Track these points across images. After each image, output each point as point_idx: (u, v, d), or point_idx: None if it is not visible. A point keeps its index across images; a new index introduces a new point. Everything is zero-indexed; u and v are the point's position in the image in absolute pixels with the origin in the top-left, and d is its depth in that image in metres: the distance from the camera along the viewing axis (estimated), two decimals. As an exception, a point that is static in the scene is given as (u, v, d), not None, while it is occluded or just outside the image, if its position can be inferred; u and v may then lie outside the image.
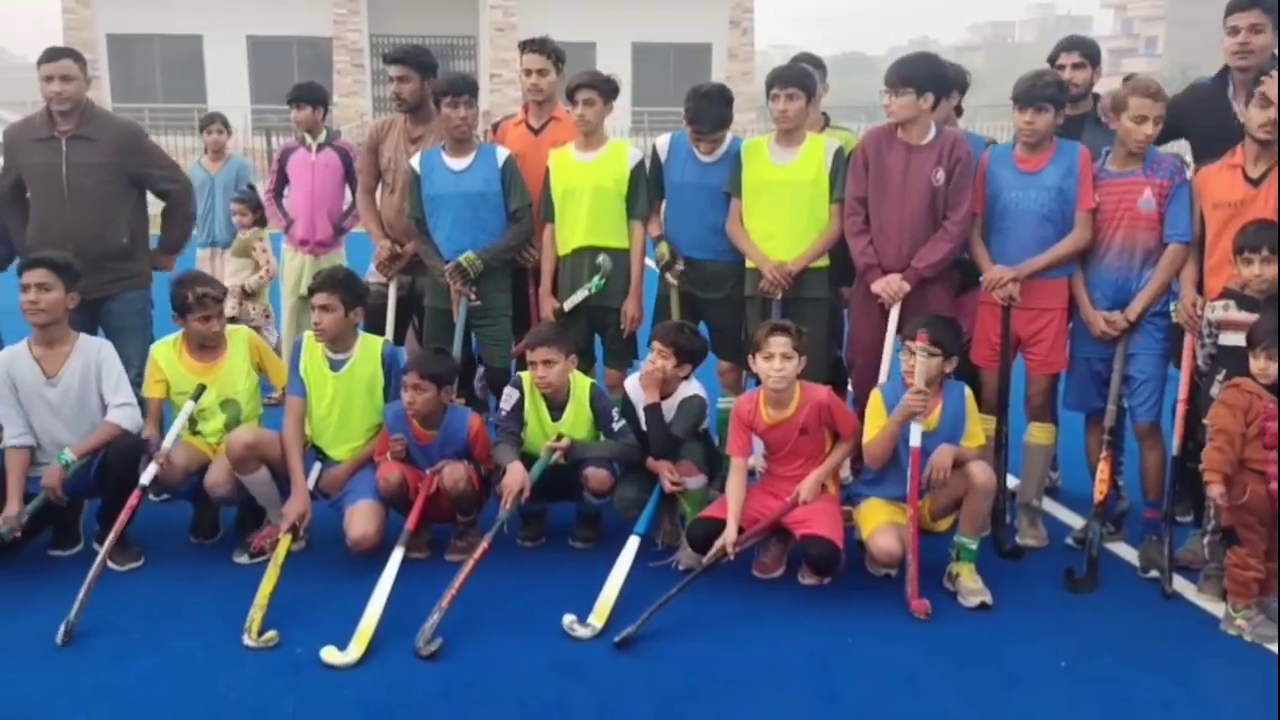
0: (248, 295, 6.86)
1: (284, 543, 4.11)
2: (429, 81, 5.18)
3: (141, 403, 4.50)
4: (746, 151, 4.76)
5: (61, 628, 3.70)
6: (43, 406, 4.30)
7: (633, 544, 4.13)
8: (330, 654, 3.58)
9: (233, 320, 6.48)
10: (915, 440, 4.03)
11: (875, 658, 3.68)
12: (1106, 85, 4.77)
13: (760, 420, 4.24)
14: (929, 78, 4.42)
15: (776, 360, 4.11)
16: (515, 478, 4.16)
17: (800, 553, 4.18)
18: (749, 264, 4.78)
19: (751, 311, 4.80)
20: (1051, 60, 4.92)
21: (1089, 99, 4.91)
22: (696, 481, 4.44)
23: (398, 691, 3.45)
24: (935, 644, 3.75)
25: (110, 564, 4.25)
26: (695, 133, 4.78)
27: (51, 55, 4.87)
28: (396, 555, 3.98)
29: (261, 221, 6.89)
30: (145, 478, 4.15)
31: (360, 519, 4.22)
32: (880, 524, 4.07)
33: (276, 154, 6.56)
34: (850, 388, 4.93)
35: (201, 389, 4.37)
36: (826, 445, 4.30)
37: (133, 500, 4.11)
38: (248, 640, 3.69)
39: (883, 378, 4.48)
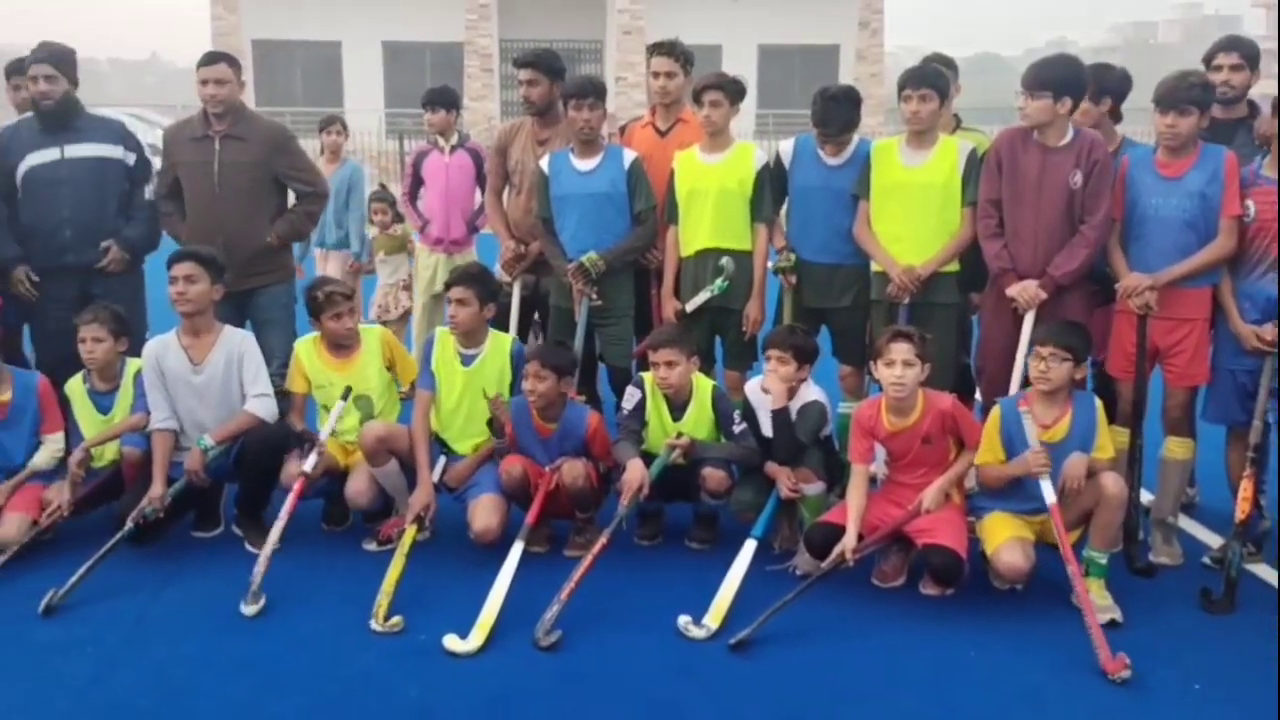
0: (405, 287, 7.01)
1: (410, 532, 4.22)
2: (557, 85, 5.27)
3: (286, 395, 4.70)
4: (876, 153, 4.71)
5: (259, 602, 3.94)
6: (188, 393, 4.52)
7: (749, 547, 4.12)
8: (453, 642, 3.68)
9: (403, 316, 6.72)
10: (1050, 498, 3.88)
11: (998, 672, 3.59)
12: (1261, 89, 4.57)
13: (881, 427, 4.19)
14: (1067, 81, 4.30)
15: (898, 367, 4.05)
16: (635, 474, 4.20)
17: (922, 562, 4.11)
18: (875, 268, 4.73)
19: (877, 316, 4.75)
20: (1207, 61, 4.72)
21: (1244, 103, 4.70)
22: (814, 488, 4.41)
23: (516, 680, 3.52)
24: (1061, 660, 3.64)
25: (248, 547, 4.48)
26: (822, 135, 4.75)
27: (207, 60, 5.13)
28: (517, 549, 4.05)
29: (398, 219, 7.07)
30: (307, 465, 4.34)
31: (484, 512, 4.31)
32: (1005, 539, 3.97)
33: (410, 157, 6.74)
34: (978, 396, 4.83)
35: (348, 390, 4.54)
36: (950, 454, 4.21)
37: (298, 487, 4.30)
38: (375, 625, 3.81)
39: (1014, 388, 4.37)
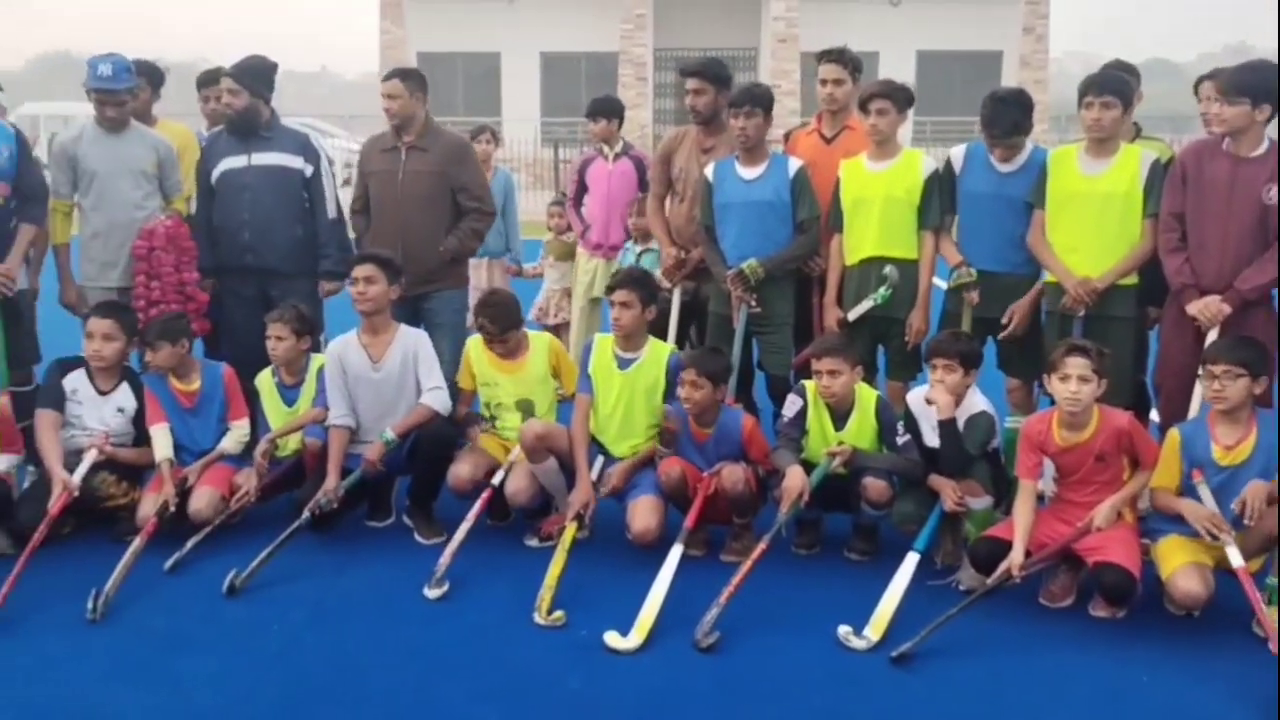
0: (569, 295, 7.14)
1: (570, 530, 4.32)
2: (723, 94, 5.32)
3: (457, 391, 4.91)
4: (1054, 161, 4.60)
5: (443, 588, 4.16)
6: (367, 389, 4.74)
7: (911, 560, 4.05)
8: (613, 639, 3.75)
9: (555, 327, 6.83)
10: (1237, 561, 3.68)
11: (1173, 699, 3.46)
12: None
13: (1052, 442, 4.07)
14: (1267, 88, 4.12)
15: (1073, 382, 3.93)
16: (795, 481, 4.20)
17: (1092, 583, 3.98)
18: (1048, 278, 4.61)
19: (1050, 329, 4.63)
20: None
21: None
22: (980, 502, 4.31)
23: (675, 679, 3.56)
24: (1242, 690, 3.47)
25: (417, 537, 4.67)
26: (990, 137, 4.68)
27: (385, 77, 5.39)
28: (676, 551, 4.10)
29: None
30: (495, 479, 4.57)
31: (643, 513, 4.38)
32: (1183, 564, 3.80)
33: (576, 164, 6.90)
34: (1155, 415, 4.64)
35: (530, 409, 4.77)
36: (1124, 473, 4.07)
37: (487, 495, 4.53)
38: (537, 618, 3.92)
39: (1194, 409, 4.20)
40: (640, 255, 6.03)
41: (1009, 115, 4.62)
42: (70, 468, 4.48)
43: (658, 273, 5.39)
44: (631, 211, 6.16)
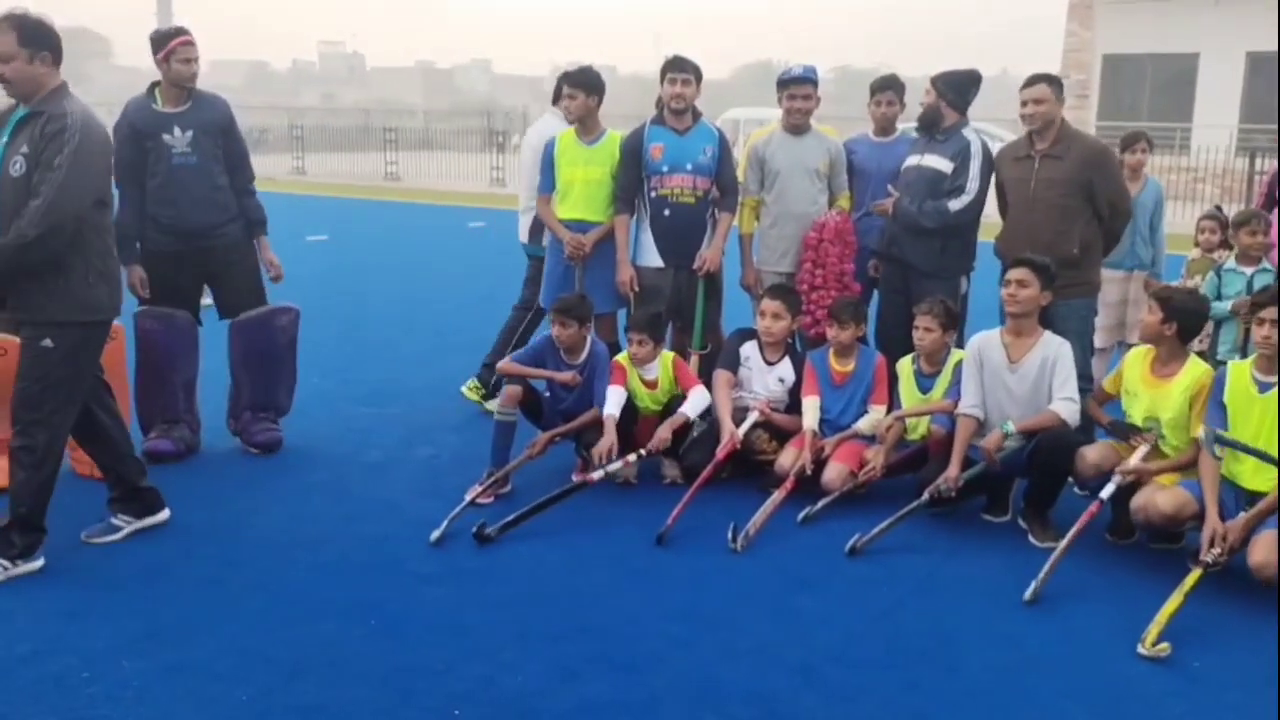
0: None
1: (1194, 575, 4.06)
2: None
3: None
4: None
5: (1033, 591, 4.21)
6: (999, 386, 4.91)
7: None
8: None
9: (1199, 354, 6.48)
10: None
11: None
12: None
13: None
14: None
15: None
16: None
17: None
18: None
19: None
20: None
21: None
22: None
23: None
24: None
25: (1030, 539, 4.78)
26: None
27: (1028, 82, 5.43)
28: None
29: (1226, 244, 6.70)
30: (1105, 492, 4.53)
31: (1263, 546, 4.04)
32: None
33: (1267, 176, 6.34)
34: None
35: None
36: None
37: (1093, 509, 4.48)
38: (1141, 649, 3.78)
39: None
40: (1254, 274, 5.43)
41: None
42: (735, 423, 5.25)
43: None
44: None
